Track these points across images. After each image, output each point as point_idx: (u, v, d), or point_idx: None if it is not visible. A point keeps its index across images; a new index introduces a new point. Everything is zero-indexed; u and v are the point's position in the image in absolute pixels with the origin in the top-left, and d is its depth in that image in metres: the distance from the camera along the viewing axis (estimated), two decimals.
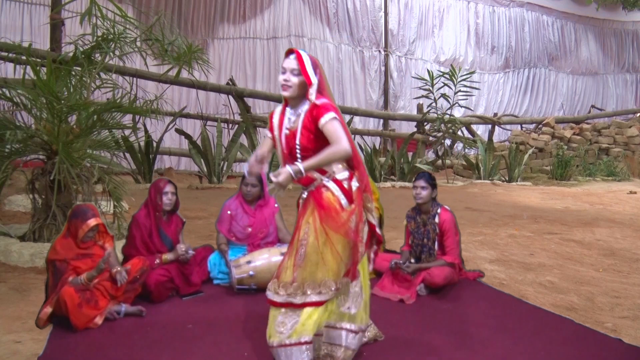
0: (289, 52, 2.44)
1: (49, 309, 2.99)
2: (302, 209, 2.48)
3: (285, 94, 2.42)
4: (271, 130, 2.55)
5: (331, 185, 2.41)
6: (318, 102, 2.38)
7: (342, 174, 2.44)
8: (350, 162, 2.48)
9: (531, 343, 2.83)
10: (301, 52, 2.42)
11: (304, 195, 2.48)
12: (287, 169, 2.28)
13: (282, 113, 2.52)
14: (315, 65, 2.43)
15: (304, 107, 2.42)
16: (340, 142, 2.29)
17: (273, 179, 2.27)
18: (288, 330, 2.34)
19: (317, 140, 2.38)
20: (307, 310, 2.35)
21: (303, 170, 2.29)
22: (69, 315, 2.91)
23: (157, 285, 3.40)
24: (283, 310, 2.36)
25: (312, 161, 2.32)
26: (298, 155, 2.40)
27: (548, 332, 2.98)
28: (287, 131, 2.45)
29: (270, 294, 2.40)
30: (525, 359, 2.66)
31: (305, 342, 2.35)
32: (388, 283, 3.68)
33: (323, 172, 2.41)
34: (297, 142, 2.40)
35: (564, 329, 3.03)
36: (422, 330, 3.01)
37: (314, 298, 2.35)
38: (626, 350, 2.76)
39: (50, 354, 2.66)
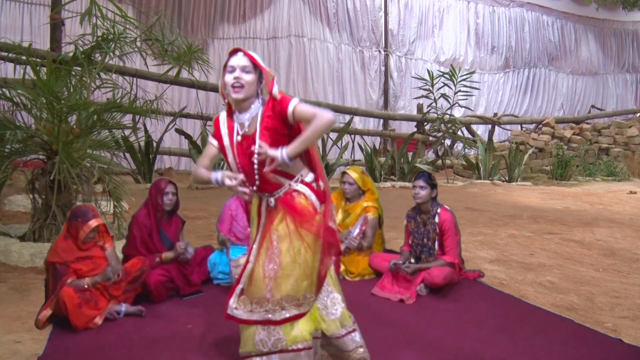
0: (235, 51, 2.23)
1: (48, 311, 2.99)
2: (268, 218, 2.27)
3: (238, 96, 2.18)
4: (218, 138, 2.30)
5: (301, 188, 2.25)
6: (277, 95, 2.18)
7: (309, 176, 2.30)
8: (310, 164, 2.33)
9: (531, 343, 2.83)
10: (247, 50, 2.23)
11: (271, 204, 2.27)
12: (278, 151, 2.10)
13: (230, 119, 2.29)
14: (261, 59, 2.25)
15: (257, 108, 2.23)
16: (322, 113, 2.10)
17: (269, 152, 2.11)
18: (270, 348, 2.19)
19: (282, 139, 2.18)
20: (287, 325, 2.19)
21: (287, 155, 2.10)
22: (68, 315, 2.91)
23: (157, 285, 3.40)
24: (259, 327, 2.19)
25: (299, 142, 2.12)
26: (255, 162, 2.19)
27: (548, 332, 2.98)
28: (240, 137, 2.23)
29: (239, 312, 2.21)
30: (525, 359, 2.66)
31: (307, 348, 2.22)
32: (388, 283, 3.68)
33: (291, 177, 2.25)
34: (257, 147, 2.17)
35: (564, 329, 3.03)
36: (422, 330, 3.01)
37: (294, 312, 2.19)
38: (626, 350, 2.76)
39: (50, 354, 2.66)
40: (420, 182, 3.73)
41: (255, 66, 2.21)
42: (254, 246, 2.29)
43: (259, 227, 2.32)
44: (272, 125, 2.19)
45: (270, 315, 2.18)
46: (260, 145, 2.14)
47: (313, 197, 2.26)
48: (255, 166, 2.20)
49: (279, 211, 2.24)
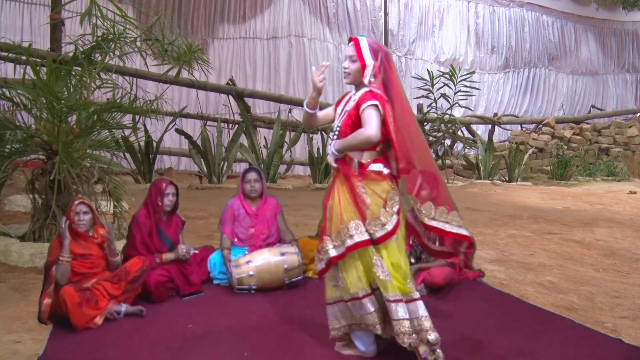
0: (350, 40, 2.56)
1: (48, 300, 2.99)
2: (332, 184, 2.64)
3: (346, 81, 2.58)
4: (337, 104, 2.71)
5: (353, 163, 2.55)
6: (374, 89, 2.48)
7: (369, 153, 2.54)
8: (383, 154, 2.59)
9: (531, 343, 2.83)
10: (360, 37, 2.54)
11: (333, 164, 2.63)
12: (328, 153, 2.59)
13: (350, 96, 2.65)
14: (375, 50, 2.52)
15: (359, 93, 2.53)
16: (367, 127, 2.40)
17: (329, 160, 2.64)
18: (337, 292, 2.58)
19: (354, 125, 2.50)
20: (344, 270, 2.52)
21: (334, 151, 2.52)
22: (68, 314, 2.91)
23: (157, 285, 3.40)
24: (329, 273, 2.59)
25: (342, 141, 2.51)
26: (336, 134, 2.59)
27: (548, 332, 2.98)
28: (344, 113, 2.60)
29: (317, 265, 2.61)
30: (525, 359, 2.66)
31: (365, 295, 2.50)
32: None
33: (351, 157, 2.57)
34: (340, 123, 2.58)
35: (564, 329, 3.03)
36: None
37: (352, 241, 2.47)
38: (626, 350, 2.76)
39: (50, 354, 2.66)
40: None
41: (358, 54, 2.50)
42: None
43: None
44: (352, 113, 2.52)
45: (327, 255, 2.54)
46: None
47: (356, 166, 2.52)
48: (335, 136, 2.58)
49: (337, 178, 2.60)
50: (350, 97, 2.63)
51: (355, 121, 2.50)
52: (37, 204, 4.45)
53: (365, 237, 2.47)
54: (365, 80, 2.50)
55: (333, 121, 2.71)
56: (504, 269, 4.28)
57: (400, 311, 2.46)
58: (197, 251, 3.75)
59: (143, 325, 3.06)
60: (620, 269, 4.37)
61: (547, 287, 3.84)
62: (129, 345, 2.78)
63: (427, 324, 2.48)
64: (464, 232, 2.60)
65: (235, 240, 3.91)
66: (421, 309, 2.51)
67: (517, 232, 5.70)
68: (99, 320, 3.03)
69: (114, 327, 3.03)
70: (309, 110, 2.67)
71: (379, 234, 2.47)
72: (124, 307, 3.17)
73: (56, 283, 3.05)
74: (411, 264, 3.73)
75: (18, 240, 4.40)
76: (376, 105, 2.43)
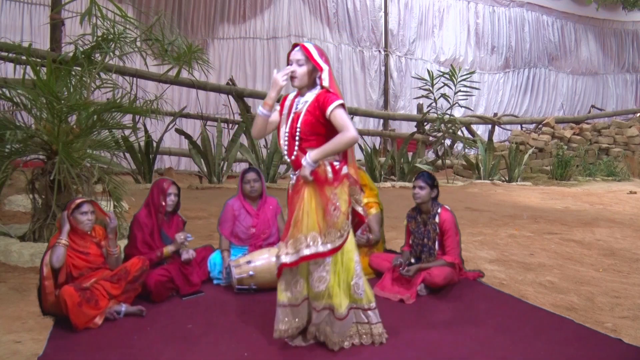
0: (295, 45, 2.68)
1: (46, 268, 3.02)
2: (294, 191, 2.69)
3: (294, 83, 2.66)
4: (281, 109, 2.78)
5: (323, 164, 2.62)
6: (329, 88, 2.59)
7: (333, 157, 2.64)
8: (343, 154, 2.70)
9: (531, 343, 2.83)
10: (306, 44, 2.66)
11: (292, 180, 2.72)
12: (303, 165, 2.55)
13: (294, 99, 2.75)
14: (323, 54, 2.66)
15: (312, 94, 2.65)
16: (348, 130, 2.49)
17: (300, 174, 2.60)
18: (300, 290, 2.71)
19: (317, 124, 2.60)
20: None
21: (312, 161, 2.53)
22: (68, 314, 2.91)
23: (157, 285, 3.40)
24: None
25: (321, 150, 2.54)
26: (297, 137, 2.62)
27: (548, 332, 2.98)
28: (294, 115, 2.68)
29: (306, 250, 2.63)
30: (525, 359, 2.66)
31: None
32: (388, 283, 3.68)
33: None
34: (299, 124, 2.61)
35: (564, 329, 3.03)
36: (422, 330, 3.01)
37: (306, 252, 2.58)
38: (626, 350, 2.76)
39: (50, 354, 2.66)
40: (420, 182, 3.73)
41: (309, 59, 2.61)
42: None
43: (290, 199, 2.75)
44: (313, 112, 2.60)
45: (283, 259, 2.64)
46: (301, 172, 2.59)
47: (329, 170, 2.62)
48: (297, 142, 2.62)
49: (301, 183, 2.64)
50: (297, 99, 2.72)
51: (319, 119, 2.58)
52: (37, 204, 4.45)
53: (321, 249, 2.59)
54: (325, 83, 2.60)
55: (277, 127, 2.78)
56: (504, 269, 4.28)
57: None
58: (194, 253, 3.74)
59: (143, 325, 3.06)
60: (620, 269, 4.37)
61: (547, 287, 3.84)
62: (129, 345, 2.78)
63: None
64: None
65: (235, 240, 3.90)
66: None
67: (517, 232, 5.70)
68: (99, 320, 3.03)
69: (114, 327, 3.03)
70: (266, 112, 2.71)
71: (338, 242, 2.61)
72: (124, 307, 3.17)
73: (51, 267, 3.05)
74: (411, 263, 3.75)
75: (18, 240, 4.40)
76: (343, 105, 2.55)
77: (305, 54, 2.62)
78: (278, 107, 2.80)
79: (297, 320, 2.71)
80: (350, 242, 2.70)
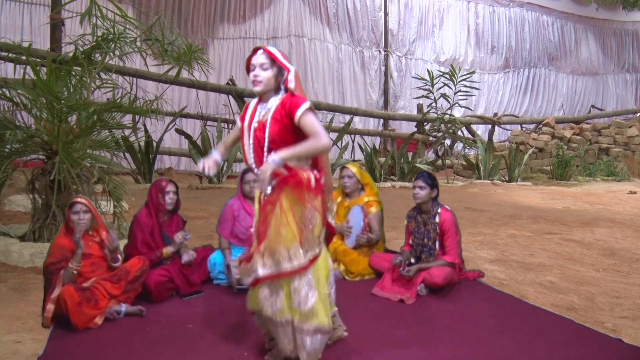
0: (256, 49, 2.50)
1: (51, 306, 2.99)
2: (267, 200, 2.46)
3: (257, 89, 2.48)
4: (242, 119, 2.59)
5: (301, 171, 2.45)
6: (295, 91, 2.45)
7: (309, 163, 2.52)
8: (316, 163, 2.55)
9: (531, 343, 2.83)
10: (269, 47, 2.50)
11: (267, 191, 2.47)
12: (268, 162, 2.33)
13: (255, 107, 2.58)
14: (285, 56, 2.50)
15: (276, 100, 2.48)
16: (321, 136, 2.34)
17: (258, 174, 2.35)
18: (275, 306, 2.43)
19: (286, 132, 2.42)
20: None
21: (280, 160, 2.32)
22: (69, 314, 2.91)
23: (157, 285, 3.40)
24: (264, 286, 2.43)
25: (291, 151, 2.34)
26: (265, 147, 2.44)
27: (548, 332, 2.98)
28: (257, 124, 2.49)
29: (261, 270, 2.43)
30: (525, 359, 2.66)
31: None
32: (388, 283, 3.68)
33: (288, 168, 2.42)
34: (266, 133, 2.44)
35: (564, 329, 3.03)
36: (422, 330, 3.01)
37: (277, 270, 2.38)
38: (626, 350, 2.76)
39: (50, 354, 2.66)
40: (420, 182, 3.73)
41: (274, 61, 2.46)
42: (254, 222, 2.54)
43: (259, 206, 2.55)
44: (280, 118, 2.42)
45: (254, 275, 2.41)
46: (257, 176, 2.38)
47: (311, 175, 2.45)
48: (266, 153, 2.44)
49: (274, 192, 2.43)
50: (259, 106, 2.54)
51: (287, 126, 2.41)
52: (37, 204, 4.45)
53: (303, 261, 2.39)
54: (292, 85, 2.46)
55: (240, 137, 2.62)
56: (504, 269, 4.28)
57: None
58: (195, 254, 3.74)
59: (143, 325, 3.06)
60: (620, 269, 4.37)
61: (547, 287, 3.84)
62: (129, 345, 2.78)
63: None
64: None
65: (234, 240, 3.90)
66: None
67: (517, 232, 5.70)
68: (99, 320, 3.03)
69: (114, 327, 3.03)
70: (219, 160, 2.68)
71: (317, 250, 2.44)
72: (124, 307, 3.17)
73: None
74: (411, 264, 3.75)
75: (18, 240, 4.41)
76: (312, 108, 2.40)
77: (269, 57, 2.46)
78: (237, 119, 2.65)
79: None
80: (324, 252, 2.54)
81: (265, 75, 2.45)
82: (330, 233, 2.62)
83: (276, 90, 2.51)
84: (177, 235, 3.61)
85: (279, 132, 2.41)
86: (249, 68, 2.51)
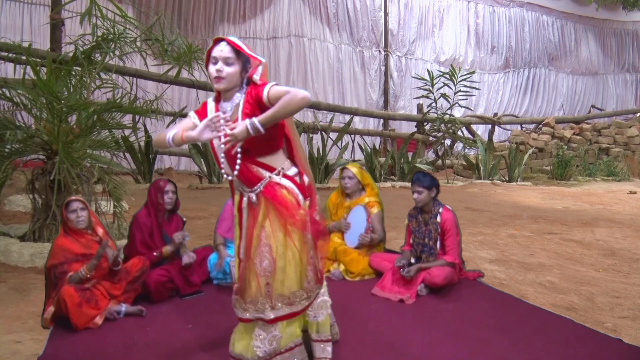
0: (218, 40, 2.21)
1: (51, 308, 2.99)
2: (250, 214, 2.24)
3: (220, 86, 2.18)
4: (201, 119, 2.24)
5: (284, 181, 2.23)
6: (257, 81, 2.19)
7: (291, 170, 2.27)
8: (292, 158, 2.32)
9: (531, 343, 2.83)
10: (232, 38, 2.21)
11: (253, 199, 2.24)
12: (244, 122, 2.04)
13: (216, 105, 2.30)
14: (249, 47, 2.24)
15: (241, 95, 2.22)
16: (296, 90, 2.04)
17: (228, 131, 2.04)
18: (267, 347, 2.21)
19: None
20: (284, 323, 2.23)
21: (259, 125, 2.03)
22: (69, 314, 2.91)
23: (157, 285, 3.40)
24: (260, 323, 2.23)
25: (269, 113, 2.05)
26: (239, 150, 2.16)
27: (548, 332, 2.98)
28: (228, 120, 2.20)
29: (238, 312, 2.27)
30: (525, 359, 2.66)
31: (298, 344, 2.29)
32: (388, 283, 3.68)
33: (271, 169, 2.22)
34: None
35: (564, 329, 3.03)
36: (422, 330, 3.01)
37: (287, 310, 2.21)
38: (626, 350, 2.76)
39: (50, 354, 2.66)
40: (416, 187, 3.73)
41: (239, 55, 2.18)
42: (242, 244, 2.28)
43: (242, 224, 2.30)
44: (252, 112, 2.15)
45: (262, 315, 2.20)
46: (231, 128, 2.06)
47: (296, 190, 2.24)
48: (239, 155, 2.18)
49: (261, 206, 2.21)
50: (221, 105, 2.26)
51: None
52: (37, 204, 4.45)
53: (317, 291, 2.26)
54: (257, 77, 2.19)
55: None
56: (504, 269, 4.28)
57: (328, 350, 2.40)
58: (195, 256, 3.74)
59: (143, 325, 3.06)
60: (620, 269, 4.37)
61: (547, 287, 3.84)
62: (129, 345, 2.78)
63: None
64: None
65: (232, 236, 3.92)
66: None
67: (517, 232, 5.70)
68: (99, 320, 3.03)
69: (114, 327, 3.03)
70: (173, 145, 2.19)
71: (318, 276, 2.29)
72: (124, 307, 3.17)
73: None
74: (411, 264, 3.75)
75: (18, 240, 4.41)
76: (277, 84, 2.15)
77: (234, 49, 2.16)
78: (193, 117, 2.30)
79: None
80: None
81: (229, 70, 2.16)
82: (317, 231, 2.31)
83: (240, 87, 2.23)
84: (177, 235, 3.61)
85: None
86: (208, 60, 2.21)
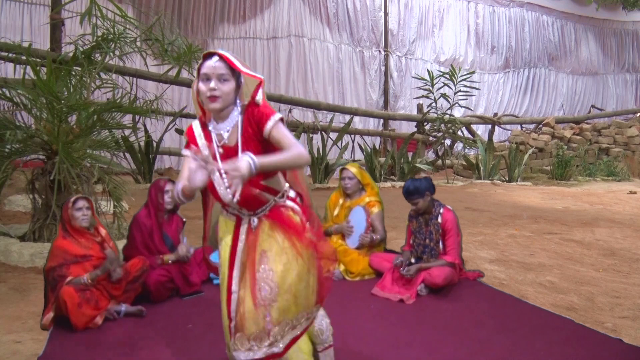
0: (209, 54, 1.97)
1: (50, 314, 2.99)
2: (249, 239, 2.06)
3: (215, 106, 1.94)
4: (195, 145, 2.06)
5: (289, 204, 2.09)
6: (259, 102, 2.00)
7: (292, 192, 2.14)
8: (293, 180, 2.17)
9: (531, 343, 2.83)
10: (223, 52, 1.97)
11: (253, 223, 2.06)
12: (245, 159, 1.78)
13: (205, 130, 2.06)
14: (243, 63, 2.00)
15: (236, 115, 2.00)
16: (301, 148, 1.91)
17: (231, 171, 1.76)
18: None
19: (264, 149, 1.97)
20: (293, 348, 2.05)
21: (259, 166, 1.79)
22: (69, 315, 2.91)
23: (157, 285, 3.40)
24: None
25: (271, 159, 1.86)
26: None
27: (548, 332, 2.98)
28: (222, 149, 2.01)
29: (239, 354, 1.96)
30: (525, 359, 2.66)
31: None
32: (388, 283, 3.68)
33: (275, 193, 2.06)
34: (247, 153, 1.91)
35: (564, 329, 3.03)
36: (422, 330, 3.01)
37: (290, 337, 2.01)
38: (626, 350, 2.76)
39: (50, 354, 2.66)
40: (411, 201, 3.76)
41: (234, 71, 1.96)
42: (235, 273, 2.06)
43: (235, 250, 2.09)
44: (253, 134, 1.99)
45: (274, 349, 1.98)
46: (226, 173, 1.84)
47: (300, 212, 2.10)
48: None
49: (261, 230, 2.04)
50: (213, 127, 2.03)
51: (262, 143, 1.97)
52: (37, 204, 4.45)
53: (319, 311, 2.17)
54: (259, 98, 1.99)
55: None
56: (504, 269, 4.28)
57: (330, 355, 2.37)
58: (193, 251, 3.74)
59: (143, 325, 3.07)
60: (620, 269, 4.37)
61: (547, 287, 3.84)
62: (129, 346, 2.78)
63: None
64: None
65: None
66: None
67: (517, 232, 5.70)
68: (99, 320, 3.03)
69: (114, 327, 3.03)
70: (186, 201, 2.05)
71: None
72: (124, 307, 3.17)
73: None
74: (411, 263, 3.75)
75: (18, 240, 4.41)
76: (283, 119, 1.99)
77: (228, 65, 1.94)
78: (188, 154, 1.99)
79: None
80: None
81: (224, 89, 1.93)
82: (321, 252, 2.14)
83: (234, 104, 2.01)
84: (182, 248, 3.61)
85: (256, 151, 1.92)
86: (199, 76, 1.96)
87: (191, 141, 2.08)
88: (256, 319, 1.95)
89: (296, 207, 2.10)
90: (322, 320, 2.33)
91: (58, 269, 3.06)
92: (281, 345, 1.98)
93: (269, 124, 1.94)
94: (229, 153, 1.99)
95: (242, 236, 2.09)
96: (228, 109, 2.00)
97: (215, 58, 1.95)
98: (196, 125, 2.09)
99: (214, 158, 2.01)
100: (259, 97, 2.00)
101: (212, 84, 1.92)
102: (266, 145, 1.97)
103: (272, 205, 2.06)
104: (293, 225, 2.04)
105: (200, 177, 1.88)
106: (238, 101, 2.03)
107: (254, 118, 1.98)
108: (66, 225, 3.22)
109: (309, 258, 2.04)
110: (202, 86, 1.94)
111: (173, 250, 3.63)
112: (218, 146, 2.02)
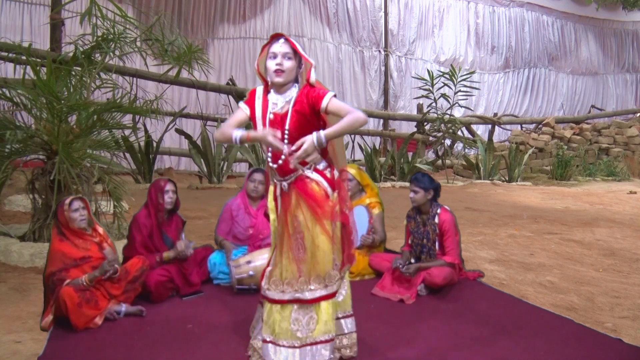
0: (277, 36, 2.37)
1: (50, 317, 2.99)
2: (285, 202, 2.43)
3: (280, 80, 2.34)
4: (251, 108, 2.45)
5: (314, 176, 2.40)
6: (314, 83, 2.36)
7: (322, 164, 2.42)
8: (327, 157, 2.47)
9: (531, 343, 2.83)
10: (287, 36, 2.39)
11: (284, 187, 2.43)
12: (310, 137, 2.24)
13: (265, 97, 2.45)
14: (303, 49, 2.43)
15: (293, 92, 2.39)
16: (357, 111, 2.28)
17: (295, 148, 2.25)
18: (305, 328, 2.36)
19: (308, 124, 2.34)
20: (323, 305, 2.37)
21: (324, 139, 2.25)
22: (68, 315, 2.91)
23: (157, 285, 3.40)
24: (295, 307, 2.37)
25: (335, 129, 2.26)
26: (286, 141, 2.34)
27: (548, 332, 2.98)
28: (272, 115, 2.39)
29: (271, 293, 2.41)
30: (525, 359, 2.66)
31: (332, 339, 2.40)
32: (388, 283, 3.68)
33: (304, 163, 2.37)
34: (287, 126, 2.35)
35: (564, 329, 3.03)
36: (422, 330, 3.01)
37: (323, 292, 2.38)
38: (626, 350, 2.76)
39: (50, 354, 2.66)
40: (413, 187, 3.74)
41: (295, 53, 2.36)
42: (278, 229, 2.46)
43: (278, 210, 2.49)
44: (302, 110, 2.34)
45: (299, 295, 2.35)
46: (290, 152, 2.28)
47: (325, 184, 2.40)
48: (286, 143, 2.34)
49: (292, 195, 2.39)
50: (271, 97, 2.42)
51: (309, 119, 2.35)
52: (37, 204, 4.45)
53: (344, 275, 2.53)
54: (313, 79, 2.37)
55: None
56: (504, 269, 4.28)
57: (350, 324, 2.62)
58: (193, 248, 3.73)
59: (143, 325, 3.06)
60: (620, 269, 4.37)
61: (547, 287, 3.84)
62: (129, 345, 2.78)
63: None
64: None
65: (234, 240, 3.92)
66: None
67: (517, 232, 5.70)
68: (99, 320, 3.02)
69: (114, 327, 3.03)
70: (239, 144, 2.47)
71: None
72: (124, 307, 3.17)
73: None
74: (410, 263, 3.74)
75: (18, 240, 4.41)
76: (335, 95, 2.34)
77: (292, 47, 2.35)
78: (244, 107, 2.47)
79: None
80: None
81: (288, 65, 2.33)
82: (344, 220, 2.50)
83: (293, 83, 2.40)
84: (180, 243, 3.60)
85: (299, 125, 2.33)
86: (262, 54, 2.39)
87: (250, 100, 2.47)
88: (291, 269, 2.37)
89: (320, 178, 2.40)
90: (342, 290, 2.56)
91: (58, 274, 3.05)
92: (307, 295, 2.35)
93: (325, 101, 2.29)
94: (278, 120, 2.37)
95: (279, 199, 2.48)
96: (288, 85, 2.38)
97: (282, 40, 2.35)
98: (259, 90, 2.48)
99: (263, 119, 2.40)
100: (313, 78, 2.37)
101: (278, 60, 2.32)
102: (311, 119, 2.34)
103: (299, 174, 2.39)
104: (313, 195, 2.36)
105: (270, 139, 2.27)
106: (298, 80, 2.40)
107: (309, 96, 2.33)
108: (62, 229, 3.19)
109: (329, 226, 2.37)
110: (269, 63, 2.34)
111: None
112: (270, 112, 2.39)
